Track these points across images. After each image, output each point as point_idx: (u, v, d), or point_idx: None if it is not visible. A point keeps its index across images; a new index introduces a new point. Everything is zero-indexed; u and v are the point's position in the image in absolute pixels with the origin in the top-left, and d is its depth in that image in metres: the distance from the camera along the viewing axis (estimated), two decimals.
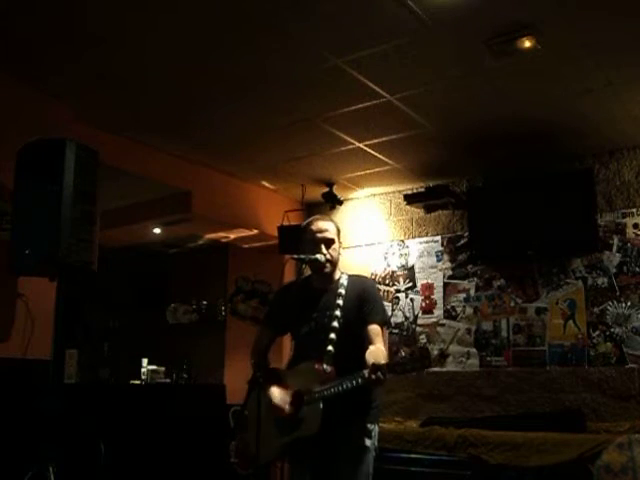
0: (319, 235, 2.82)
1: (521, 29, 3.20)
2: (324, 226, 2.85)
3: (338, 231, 2.90)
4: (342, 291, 2.81)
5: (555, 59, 3.51)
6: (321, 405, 2.56)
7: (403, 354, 2.45)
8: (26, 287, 3.52)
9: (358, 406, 2.68)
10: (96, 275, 2.87)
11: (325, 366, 2.64)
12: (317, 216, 3.00)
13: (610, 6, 3.02)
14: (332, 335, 2.71)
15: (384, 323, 2.83)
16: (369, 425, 2.74)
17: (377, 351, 2.58)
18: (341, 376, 2.56)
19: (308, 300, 2.86)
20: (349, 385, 2.49)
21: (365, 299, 2.78)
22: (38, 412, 2.62)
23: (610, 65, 3.58)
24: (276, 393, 2.73)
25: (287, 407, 2.67)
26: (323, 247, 2.80)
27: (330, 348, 2.68)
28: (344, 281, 2.85)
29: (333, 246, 2.83)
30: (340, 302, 2.77)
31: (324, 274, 2.85)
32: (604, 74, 3.68)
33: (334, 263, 2.85)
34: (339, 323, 2.73)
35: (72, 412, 3.42)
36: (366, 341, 2.65)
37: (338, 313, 2.75)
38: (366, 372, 2.39)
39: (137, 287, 6.92)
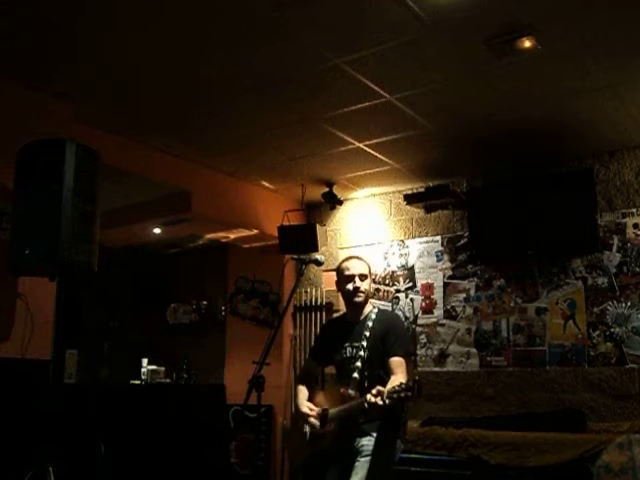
0: (354, 271, 3.13)
1: (521, 29, 3.20)
2: (357, 264, 3.17)
3: (370, 270, 3.20)
4: (370, 324, 3.07)
5: (555, 59, 3.51)
6: (334, 425, 2.91)
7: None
8: (26, 287, 3.52)
9: (385, 422, 2.91)
10: (96, 275, 2.87)
11: (350, 391, 2.90)
12: (351, 256, 3.30)
13: (610, 6, 3.02)
14: (358, 363, 2.98)
15: (408, 354, 3.18)
16: (392, 440, 2.96)
17: (394, 382, 2.78)
18: None
19: (342, 332, 3.16)
20: (355, 406, 2.79)
21: (390, 333, 3.02)
22: (38, 412, 2.62)
23: (610, 65, 3.58)
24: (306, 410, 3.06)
25: (317, 423, 2.98)
26: (357, 279, 3.10)
27: (356, 375, 2.96)
28: (373, 315, 3.11)
29: (366, 281, 3.14)
30: (367, 334, 3.03)
31: (356, 308, 3.14)
32: (604, 74, 3.68)
33: (367, 296, 3.15)
34: (364, 352, 3.00)
35: (72, 412, 3.42)
36: (389, 371, 2.91)
37: (365, 344, 3.02)
38: (368, 395, 2.65)
39: (137, 287, 6.92)
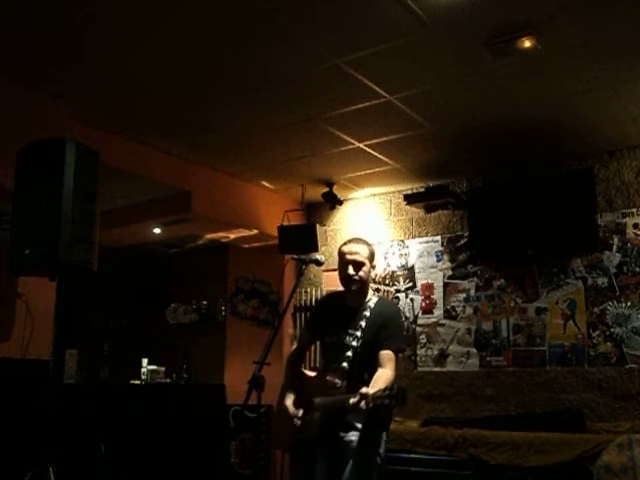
0: (349, 257, 3.01)
1: (521, 29, 3.20)
2: (355, 249, 3.03)
3: (371, 254, 3.06)
4: (367, 313, 2.98)
5: (555, 59, 3.51)
6: (319, 414, 2.84)
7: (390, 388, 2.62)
8: (26, 287, 3.52)
9: (370, 415, 2.80)
10: (96, 275, 2.87)
11: (337, 380, 2.85)
12: (352, 238, 3.15)
13: (610, 6, 3.02)
14: (349, 353, 2.91)
15: (399, 350, 3.02)
16: (378, 433, 2.91)
17: (381, 376, 2.76)
18: (352, 392, 2.73)
19: (338, 314, 3.06)
20: (341, 402, 2.70)
21: (386, 325, 2.94)
22: (38, 412, 2.62)
23: (610, 65, 3.58)
24: (289, 403, 3.00)
25: (296, 420, 2.92)
26: (351, 268, 2.97)
27: (345, 364, 2.90)
28: (371, 304, 3.02)
29: (363, 268, 2.99)
30: (363, 324, 2.95)
31: (355, 293, 3.03)
32: (604, 74, 3.68)
33: (363, 284, 3.01)
34: (357, 343, 2.92)
35: (72, 412, 3.42)
36: (378, 363, 2.85)
37: (359, 334, 2.93)
38: (351, 400, 2.59)
39: (137, 287, 6.92)
